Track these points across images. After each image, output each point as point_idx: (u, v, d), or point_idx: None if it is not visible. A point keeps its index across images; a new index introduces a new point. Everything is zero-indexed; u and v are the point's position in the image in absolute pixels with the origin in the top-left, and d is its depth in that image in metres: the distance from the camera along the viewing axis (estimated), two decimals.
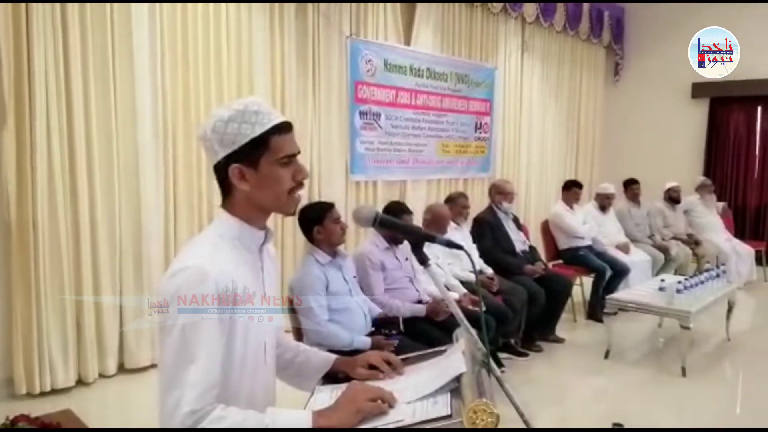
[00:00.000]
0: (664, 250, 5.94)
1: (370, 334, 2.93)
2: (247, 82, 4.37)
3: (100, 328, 3.69)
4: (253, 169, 1.26)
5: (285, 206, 1.33)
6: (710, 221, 6.66)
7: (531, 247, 4.91)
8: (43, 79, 3.31)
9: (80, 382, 3.62)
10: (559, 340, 4.57)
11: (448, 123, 6.18)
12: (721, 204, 7.08)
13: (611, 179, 6.41)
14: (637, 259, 5.60)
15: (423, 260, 1.30)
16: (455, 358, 1.27)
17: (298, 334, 2.80)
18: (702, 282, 4.33)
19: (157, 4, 3.83)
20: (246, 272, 1.28)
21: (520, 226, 4.95)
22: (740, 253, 6.38)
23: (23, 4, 3.22)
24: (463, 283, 3.96)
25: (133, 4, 3.69)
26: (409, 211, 3.48)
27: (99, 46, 3.57)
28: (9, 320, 3.39)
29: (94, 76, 3.56)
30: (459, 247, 1.33)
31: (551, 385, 3.85)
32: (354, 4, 5.14)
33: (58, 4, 3.37)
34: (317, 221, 2.87)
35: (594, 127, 8.43)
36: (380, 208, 3.35)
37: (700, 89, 7.69)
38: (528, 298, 4.19)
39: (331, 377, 1.47)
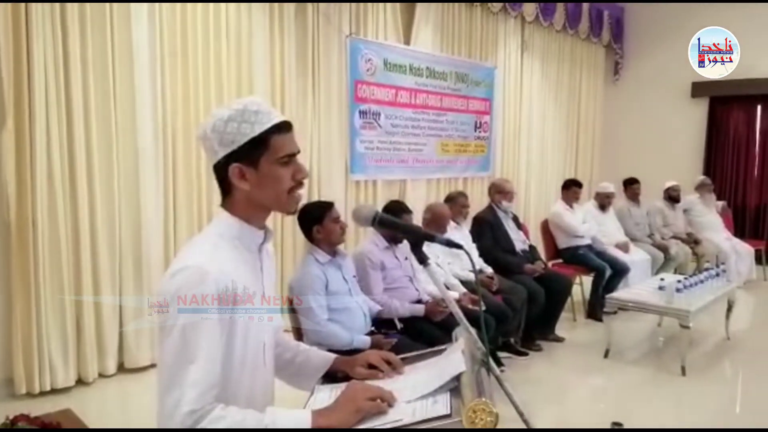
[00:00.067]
0: (664, 250, 5.95)
1: (370, 334, 2.93)
2: (246, 82, 4.37)
3: (99, 328, 3.69)
4: (253, 168, 1.26)
5: (285, 205, 1.33)
6: (710, 220, 6.66)
7: (531, 247, 4.91)
8: (43, 79, 3.31)
9: (80, 382, 3.62)
10: (559, 340, 4.57)
11: (447, 122, 6.18)
12: (720, 203, 7.08)
13: (611, 178, 6.41)
14: (637, 258, 5.60)
15: (422, 259, 1.30)
16: (455, 358, 1.27)
17: (298, 333, 2.80)
18: (701, 281, 4.34)
19: (157, 4, 3.83)
20: (246, 272, 1.28)
21: (519, 226, 4.95)
22: (740, 252, 6.38)
23: (23, 4, 3.21)
24: (462, 282, 3.96)
25: (133, 4, 3.69)
26: (408, 211, 3.47)
27: (99, 47, 3.57)
28: (9, 320, 3.39)
29: (94, 76, 3.56)
30: (459, 246, 1.33)
31: (551, 385, 3.85)
32: (354, 4, 5.13)
33: (57, 4, 3.36)
34: (317, 220, 2.87)
35: (594, 127, 8.43)
36: (380, 208, 3.34)
37: (699, 88, 7.68)
38: (528, 298, 4.19)
39: (331, 377, 1.47)
